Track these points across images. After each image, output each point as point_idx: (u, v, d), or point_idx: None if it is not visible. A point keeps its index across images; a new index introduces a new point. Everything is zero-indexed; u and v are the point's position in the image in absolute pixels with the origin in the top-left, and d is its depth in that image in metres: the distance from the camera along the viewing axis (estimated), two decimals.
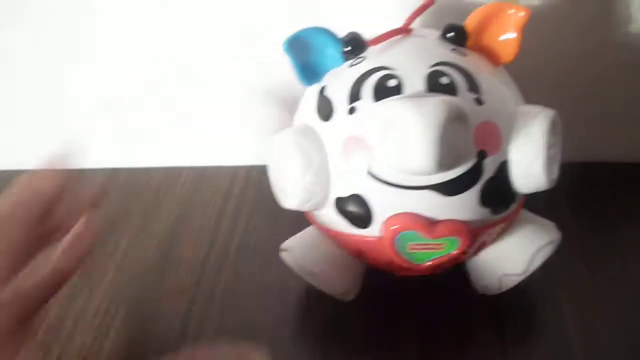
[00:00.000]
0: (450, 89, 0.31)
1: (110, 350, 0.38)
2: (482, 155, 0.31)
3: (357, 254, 0.36)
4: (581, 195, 0.45)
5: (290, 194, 0.34)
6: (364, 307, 0.38)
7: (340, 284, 0.37)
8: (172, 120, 0.51)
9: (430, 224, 0.32)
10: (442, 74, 0.32)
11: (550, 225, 0.37)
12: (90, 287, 0.42)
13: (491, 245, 0.36)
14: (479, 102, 0.32)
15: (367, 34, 0.35)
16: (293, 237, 0.38)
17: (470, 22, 0.34)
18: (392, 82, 0.32)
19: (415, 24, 0.36)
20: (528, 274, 0.36)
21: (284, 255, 0.38)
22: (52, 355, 0.37)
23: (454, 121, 0.29)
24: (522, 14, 0.33)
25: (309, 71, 0.35)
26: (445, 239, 0.32)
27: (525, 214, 0.37)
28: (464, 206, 0.32)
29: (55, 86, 0.50)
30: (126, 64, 0.48)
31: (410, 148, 0.29)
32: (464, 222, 0.32)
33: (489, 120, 0.32)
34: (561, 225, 0.37)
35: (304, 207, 0.34)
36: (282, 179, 0.34)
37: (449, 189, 0.31)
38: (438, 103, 0.29)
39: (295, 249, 0.38)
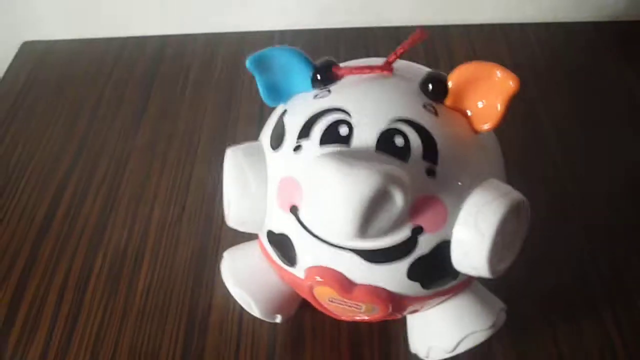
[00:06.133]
0: (401, 154, 0.29)
1: None
2: (417, 231, 0.29)
3: (288, 284, 0.35)
4: None
5: (227, 213, 0.33)
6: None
7: (269, 306, 0.37)
8: None
9: (349, 284, 0.30)
10: (399, 133, 0.29)
11: (497, 307, 0.34)
12: None
13: (426, 310, 0.34)
14: (431, 173, 0.29)
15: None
16: (237, 246, 0.38)
17: (454, 77, 0.30)
18: (343, 130, 0.29)
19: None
20: (457, 353, 0.34)
21: (223, 261, 0.37)
22: None
23: (386, 194, 0.27)
24: (511, 83, 0.29)
25: (274, 91, 0.32)
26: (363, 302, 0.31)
27: (476, 285, 0.34)
28: (388, 276, 0.30)
29: None
30: None
31: (332, 212, 0.27)
32: (385, 290, 0.30)
33: (435, 196, 0.29)
34: None
35: (240, 229, 0.33)
36: (224, 195, 0.33)
37: (372, 256, 0.29)
38: (370, 175, 0.26)
39: (236, 259, 0.37)
